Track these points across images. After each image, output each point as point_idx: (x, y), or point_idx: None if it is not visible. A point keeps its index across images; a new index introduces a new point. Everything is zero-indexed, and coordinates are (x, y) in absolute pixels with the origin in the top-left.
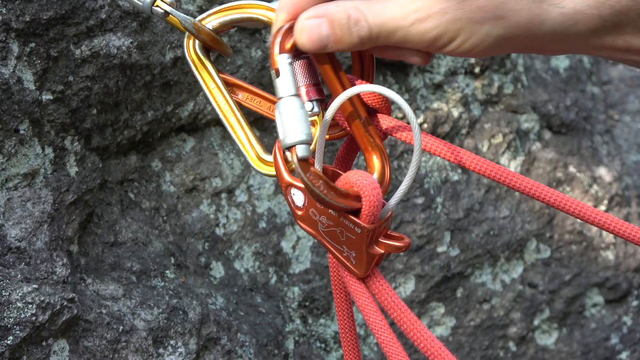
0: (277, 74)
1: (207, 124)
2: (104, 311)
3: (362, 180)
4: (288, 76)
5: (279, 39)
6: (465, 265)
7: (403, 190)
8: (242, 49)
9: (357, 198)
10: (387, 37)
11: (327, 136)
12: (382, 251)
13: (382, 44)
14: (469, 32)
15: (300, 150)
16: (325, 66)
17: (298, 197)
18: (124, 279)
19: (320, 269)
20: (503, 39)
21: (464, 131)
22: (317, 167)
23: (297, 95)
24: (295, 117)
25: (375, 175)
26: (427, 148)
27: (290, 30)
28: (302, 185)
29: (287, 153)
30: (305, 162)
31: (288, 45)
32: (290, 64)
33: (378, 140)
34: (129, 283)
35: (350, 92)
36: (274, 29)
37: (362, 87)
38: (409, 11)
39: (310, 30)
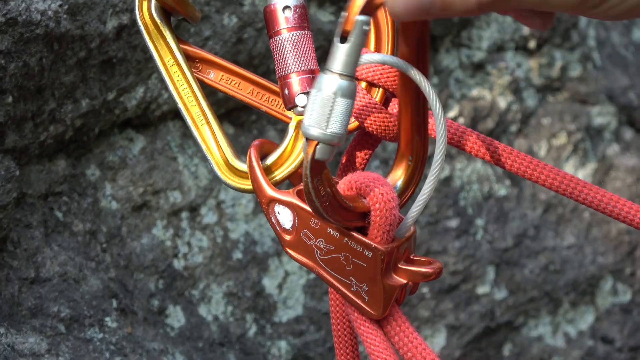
0: (344, 39)
1: (162, 116)
2: None
3: (370, 183)
4: (356, 49)
5: None
6: (515, 312)
7: (425, 198)
8: (211, 15)
9: (364, 210)
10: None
11: None
12: (404, 281)
13: (509, 8)
14: None
15: (323, 151)
16: (413, 39)
17: (285, 216)
18: (48, 329)
19: (316, 317)
20: None
21: (514, 128)
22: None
23: (354, 79)
24: (339, 105)
25: (400, 180)
26: (462, 145)
27: None
28: (290, 200)
29: (303, 141)
30: (319, 165)
31: (377, 2)
32: (365, 33)
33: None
34: (55, 334)
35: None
36: None
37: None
38: None
39: None
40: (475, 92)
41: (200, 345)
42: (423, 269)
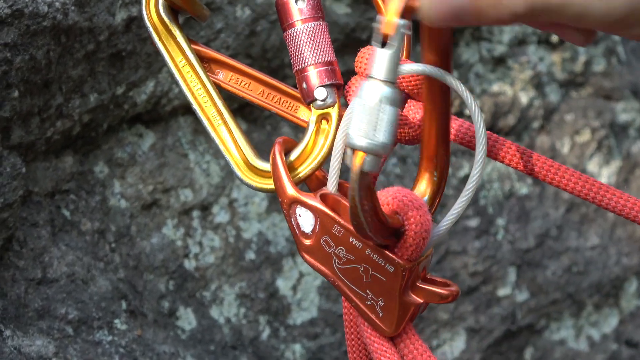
0: (383, 43)
1: (172, 112)
2: None
3: (408, 203)
4: (397, 54)
5: None
6: (537, 314)
7: (455, 216)
8: (223, 7)
9: (398, 226)
10: (557, 12)
11: None
12: (421, 300)
13: (542, 20)
14: None
15: (371, 162)
16: (440, 46)
17: (306, 220)
18: (56, 331)
19: (332, 319)
20: None
21: (536, 124)
22: (332, 183)
23: (395, 84)
24: (386, 113)
25: (426, 196)
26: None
27: None
28: (314, 204)
29: (347, 152)
30: (366, 178)
31: (416, 3)
32: (404, 37)
33: (443, 149)
34: (63, 337)
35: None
36: None
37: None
38: None
39: None
40: (496, 87)
41: (212, 349)
42: (441, 290)
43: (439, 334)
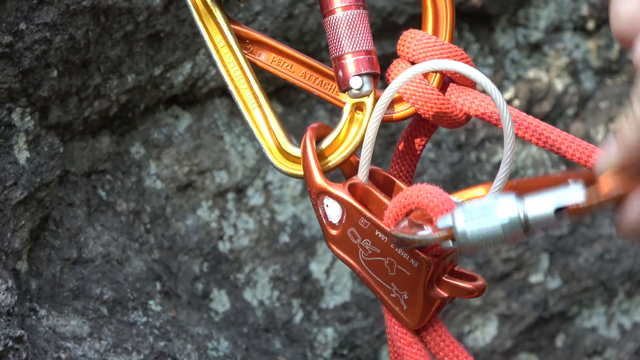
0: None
1: (209, 93)
2: (63, 356)
3: (433, 197)
4: None
5: None
6: (568, 302)
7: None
8: None
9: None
10: None
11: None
12: (446, 295)
13: None
14: None
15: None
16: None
17: (333, 210)
18: (91, 312)
19: (365, 303)
20: None
21: (570, 111)
22: (362, 172)
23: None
24: (495, 234)
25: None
26: (517, 130)
27: None
28: (341, 196)
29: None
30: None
31: None
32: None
33: None
34: (97, 317)
35: (414, 71)
36: None
37: (426, 65)
38: None
39: None
40: (531, 74)
41: (245, 331)
42: (466, 285)
43: (470, 320)
